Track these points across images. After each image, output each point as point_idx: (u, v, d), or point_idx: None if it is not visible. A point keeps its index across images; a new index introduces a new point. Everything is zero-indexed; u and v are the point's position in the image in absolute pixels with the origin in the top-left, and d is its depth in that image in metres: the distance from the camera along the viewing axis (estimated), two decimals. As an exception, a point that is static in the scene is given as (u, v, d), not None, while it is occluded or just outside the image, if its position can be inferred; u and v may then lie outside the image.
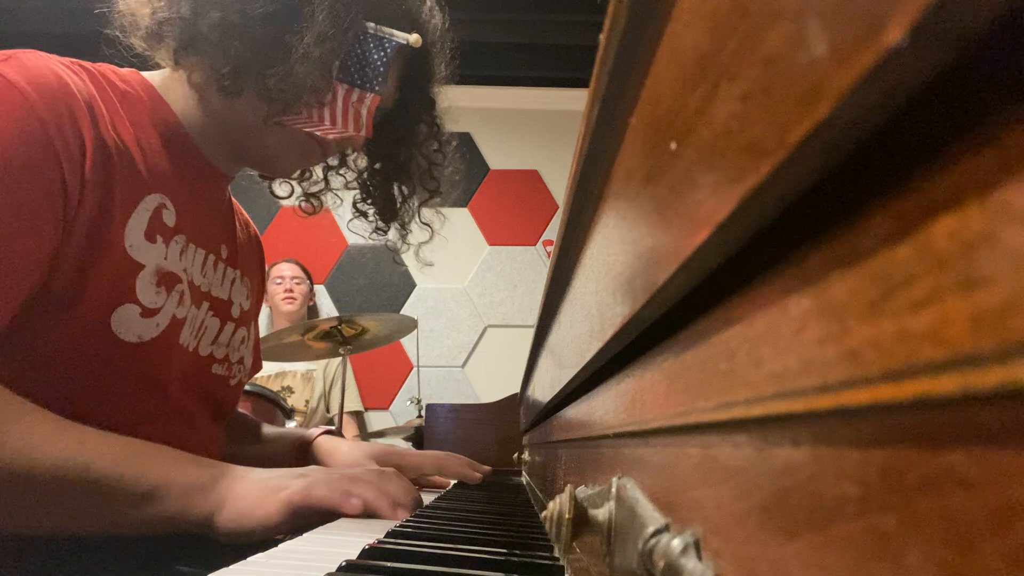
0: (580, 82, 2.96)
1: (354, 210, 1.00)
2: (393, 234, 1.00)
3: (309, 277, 2.81)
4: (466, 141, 3.38)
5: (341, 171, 1.00)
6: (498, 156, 3.38)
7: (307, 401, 2.57)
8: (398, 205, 0.97)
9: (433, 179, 0.96)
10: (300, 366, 2.61)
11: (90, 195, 0.61)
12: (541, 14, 2.79)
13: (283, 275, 2.72)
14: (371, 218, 0.99)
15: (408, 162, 0.93)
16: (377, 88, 0.76)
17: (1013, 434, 0.08)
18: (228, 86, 0.71)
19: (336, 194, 1.02)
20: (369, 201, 0.99)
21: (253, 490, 0.61)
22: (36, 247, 0.57)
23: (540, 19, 2.82)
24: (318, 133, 0.76)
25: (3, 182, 0.55)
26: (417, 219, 0.99)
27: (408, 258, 1.10)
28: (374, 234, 1.00)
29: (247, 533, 0.60)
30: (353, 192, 1.01)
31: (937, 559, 0.10)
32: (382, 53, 0.75)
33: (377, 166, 0.96)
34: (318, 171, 1.01)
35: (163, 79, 0.75)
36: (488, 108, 3.37)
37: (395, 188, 0.96)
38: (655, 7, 0.21)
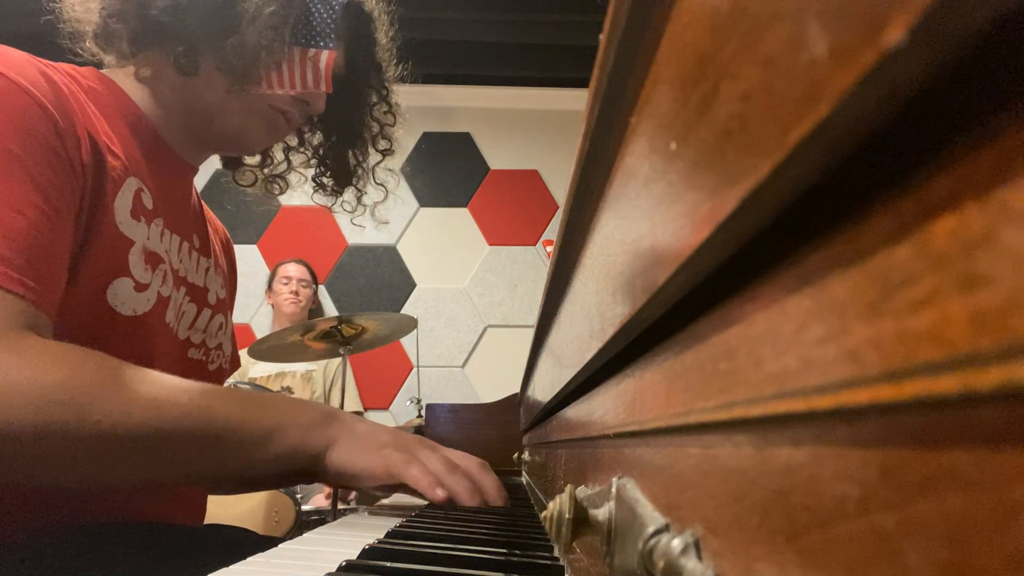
0: (580, 82, 2.97)
1: (314, 183, 1.04)
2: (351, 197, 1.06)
3: (315, 279, 2.81)
4: (466, 141, 3.38)
5: (301, 149, 1.04)
6: (498, 156, 3.38)
7: None
8: (353, 170, 1.02)
9: (385, 139, 1.02)
10: (300, 366, 2.61)
11: (88, 179, 0.62)
12: (541, 14, 2.78)
13: (290, 275, 2.71)
14: (330, 189, 1.04)
15: (360, 127, 0.99)
16: (331, 44, 0.78)
17: (1013, 434, 0.08)
18: (185, 65, 0.73)
19: (299, 172, 1.06)
20: (328, 173, 1.03)
21: (364, 440, 0.66)
22: (66, 227, 0.59)
23: (540, 19, 2.82)
24: (279, 94, 0.78)
25: (26, 165, 0.56)
26: (372, 180, 1.05)
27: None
28: (334, 202, 1.05)
29: (350, 476, 0.65)
30: (312, 169, 1.06)
31: (937, 559, 0.10)
32: (330, 11, 0.79)
33: (333, 137, 1.01)
34: (279, 154, 1.05)
35: (120, 75, 0.76)
36: (488, 108, 3.38)
37: (350, 154, 1.01)
38: (655, 7, 0.21)
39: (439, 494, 0.65)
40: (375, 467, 0.65)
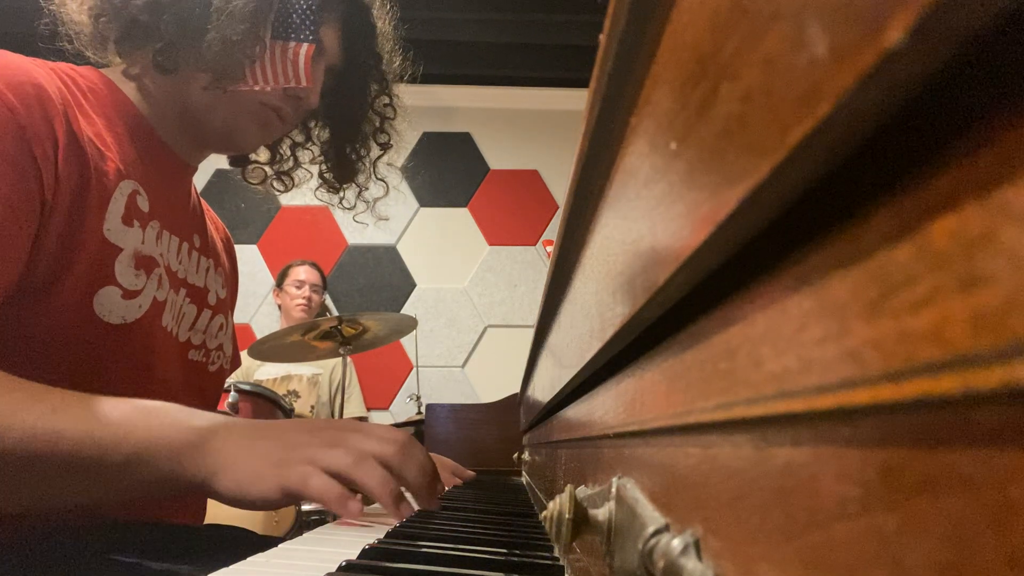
0: (580, 82, 2.96)
1: (320, 179, 1.03)
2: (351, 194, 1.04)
3: (325, 284, 2.79)
4: (466, 141, 3.38)
5: (307, 146, 1.03)
6: (498, 156, 3.38)
7: (312, 407, 2.56)
8: (355, 164, 1.00)
9: (385, 133, 1.00)
10: (306, 371, 2.60)
11: (64, 186, 0.61)
12: (541, 14, 2.79)
13: (303, 280, 2.67)
14: (334, 186, 1.02)
15: (362, 120, 0.97)
16: (310, 37, 0.77)
17: (1013, 434, 0.08)
18: (163, 63, 0.72)
19: (306, 169, 1.05)
20: (331, 169, 1.02)
21: (251, 459, 0.57)
22: (13, 234, 0.57)
23: (540, 19, 2.82)
24: (258, 90, 0.77)
25: None
26: (373, 176, 1.04)
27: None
28: (339, 199, 1.04)
29: (248, 503, 0.57)
30: (319, 165, 1.04)
31: (937, 559, 0.10)
32: (310, 2, 0.77)
33: (336, 130, 0.99)
34: (287, 150, 1.04)
35: (119, 75, 0.76)
36: (488, 108, 3.38)
37: (351, 148, 1.00)
38: (655, 7, 0.21)
39: (351, 509, 0.55)
40: (269, 491, 0.56)
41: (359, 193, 1.04)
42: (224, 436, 0.58)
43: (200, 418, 0.59)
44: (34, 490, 0.55)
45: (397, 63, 0.97)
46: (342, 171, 1.01)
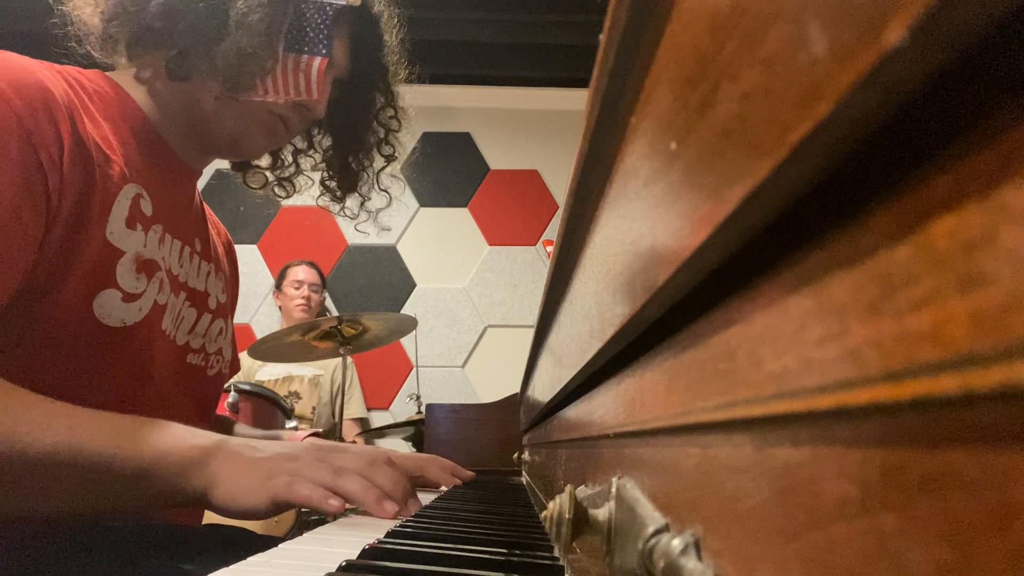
0: (580, 82, 2.97)
1: (321, 187, 1.03)
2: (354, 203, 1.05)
3: (324, 284, 2.78)
4: (466, 141, 3.38)
5: (309, 152, 1.03)
6: (498, 156, 3.38)
7: (314, 407, 2.55)
8: (358, 175, 1.01)
9: (389, 145, 1.01)
10: (307, 372, 2.59)
11: (69, 189, 0.61)
12: (541, 14, 2.78)
13: (302, 280, 2.66)
14: (336, 194, 1.03)
15: (366, 132, 0.97)
16: (323, 51, 0.77)
17: (1013, 434, 0.08)
18: (176, 70, 0.73)
19: (308, 176, 1.05)
20: (334, 178, 1.02)
21: (245, 472, 0.62)
22: (18, 238, 0.57)
23: (540, 19, 2.82)
24: (270, 101, 0.77)
25: None
26: (376, 186, 1.04)
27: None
28: (340, 207, 1.04)
29: (239, 513, 0.61)
30: (320, 172, 1.05)
31: (937, 559, 0.10)
32: (324, 16, 0.78)
33: (339, 140, 1.00)
34: (289, 156, 1.04)
35: (126, 78, 0.76)
36: (488, 108, 3.38)
37: (354, 159, 1.00)
38: (655, 7, 0.21)
39: (332, 504, 0.61)
40: (259, 503, 0.61)
41: (362, 203, 1.04)
42: (223, 455, 0.63)
43: (201, 437, 0.63)
44: (50, 501, 0.57)
45: (402, 75, 0.97)
46: (344, 180, 1.01)
